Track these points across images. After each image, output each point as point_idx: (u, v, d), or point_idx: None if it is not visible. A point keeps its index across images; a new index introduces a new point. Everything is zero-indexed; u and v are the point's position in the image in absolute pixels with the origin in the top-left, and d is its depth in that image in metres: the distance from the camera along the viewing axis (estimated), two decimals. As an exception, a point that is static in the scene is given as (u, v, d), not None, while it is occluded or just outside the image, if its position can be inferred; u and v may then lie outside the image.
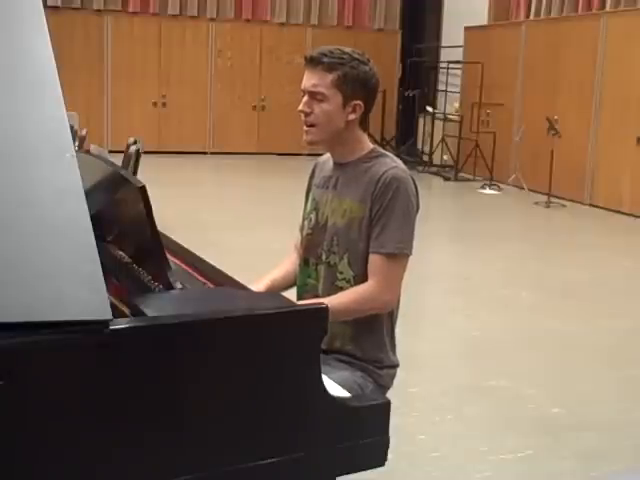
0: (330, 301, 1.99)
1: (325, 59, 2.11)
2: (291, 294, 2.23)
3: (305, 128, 2.17)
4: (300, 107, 2.16)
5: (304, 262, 2.30)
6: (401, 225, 2.10)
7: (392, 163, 2.17)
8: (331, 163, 2.29)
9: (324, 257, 2.23)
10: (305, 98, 2.15)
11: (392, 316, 2.24)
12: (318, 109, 2.13)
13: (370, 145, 2.24)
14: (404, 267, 2.15)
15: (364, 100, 2.15)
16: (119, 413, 1.47)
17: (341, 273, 2.19)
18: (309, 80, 2.14)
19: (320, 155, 2.41)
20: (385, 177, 2.11)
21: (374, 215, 2.12)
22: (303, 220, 2.34)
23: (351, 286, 2.16)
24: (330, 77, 2.10)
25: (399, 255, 2.11)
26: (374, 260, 2.11)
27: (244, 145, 13.31)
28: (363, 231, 2.14)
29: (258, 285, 2.28)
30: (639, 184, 8.96)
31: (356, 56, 2.14)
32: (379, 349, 2.21)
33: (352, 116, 2.14)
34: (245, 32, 13.32)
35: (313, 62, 2.13)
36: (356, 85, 2.12)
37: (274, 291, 2.28)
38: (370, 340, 2.20)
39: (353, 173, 2.19)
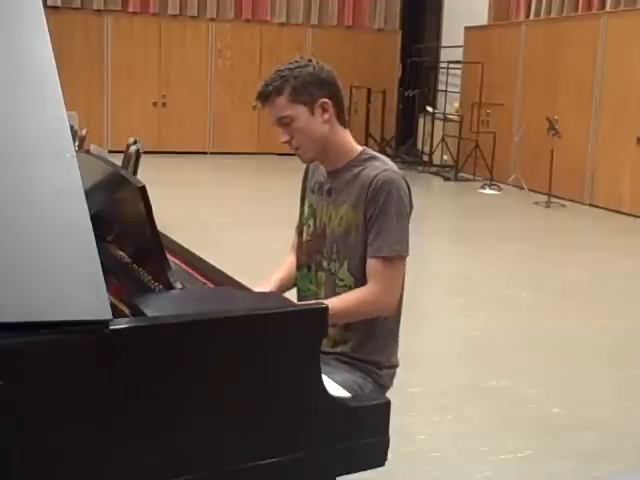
0: (331, 304, 1.99)
1: (269, 88, 2.09)
2: (292, 296, 2.24)
3: (295, 152, 2.17)
4: (280, 140, 2.15)
5: (307, 268, 2.30)
6: (396, 228, 2.10)
7: (383, 166, 2.15)
8: (324, 167, 2.28)
9: (324, 264, 2.23)
10: (279, 130, 2.14)
11: (396, 319, 2.24)
12: (294, 132, 2.12)
13: (358, 147, 2.23)
14: (402, 268, 2.15)
15: (327, 96, 2.13)
16: (119, 413, 1.47)
17: (341, 280, 2.19)
18: (270, 114, 2.13)
19: None
20: (376, 181, 2.10)
21: (368, 220, 2.11)
22: (301, 224, 2.34)
23: None
24: (283, 98, 2.09)
25: (396, 257, 2.11)
26: (372, 264, 2.11)
27: (244, 145, 13.31)
28: (360, 237, 2.14)
29: (266, 286, 2.29)
30: (639, 184, 8.97)
31: (294, 65, 2.12)
32: (380, 353, 2.21)
33: (326, 115, 2.13)
34: (245, 32, 13.32)
35: (262, 97, 2.12)
36: (309, 88, 2.10)
37: (282, 291, 2.29)
38: (372, 344, 2.20)
39: (345, 179, 2.18)
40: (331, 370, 2.06)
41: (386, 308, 2.15)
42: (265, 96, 2.11)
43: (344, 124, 2.20)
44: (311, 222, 2.28)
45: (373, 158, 2.19)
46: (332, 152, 2.19)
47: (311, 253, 2.27)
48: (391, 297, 2.13)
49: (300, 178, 2.43)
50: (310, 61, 2.15)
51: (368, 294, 2.11)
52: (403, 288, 2.22)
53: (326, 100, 2.12)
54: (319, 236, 2.24)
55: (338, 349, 2.20)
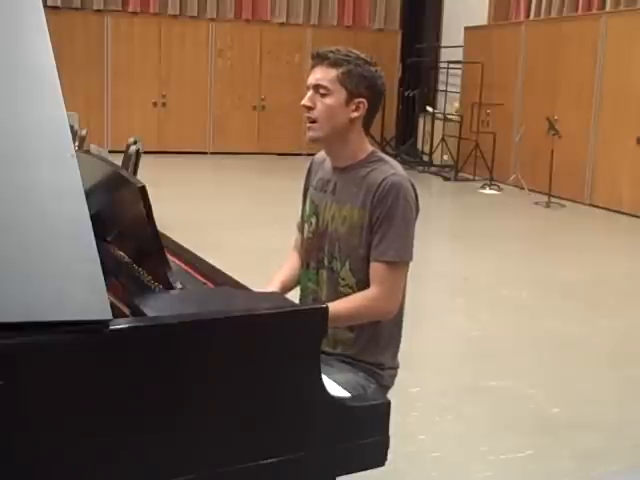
0: (332, 307, 1.99)
1: (331, 55, 2.12)
2: (294, 295, 2.24)
3: (308, 124, 2.15)
4: (303, 101, 2.14)
5: (306, 265, 2.29)
6: (401, 232, 2.09)
7: (391, 170, 2.14)
8: (329, 164, 2.27)
9: (326, 262, 2.22)
10: (309, 93, 2.14)
11: (398, 321, 2.24)
12: (321, 104, 2.12)
13: (370, 148, 2.22)
14: (405, 274, 2.15)
15: (368, 99, 2.13)
16: (119, 413, 1.47)
17: (343, 279, 2.18)
18: (314, 75, 2.14)
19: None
20: (384, 185, 2.10)
21: (374, 223, 2.11)
22: (303, 222, 2.34)
23: (354, 292, 2.15)
24: (335, 72, 2.10)
25: (400, 262, 2.11)
26: (375, 268, 2.11)
27: (244, 145, 13.31)
28: (363, 238, 2.13)
29: (269, 288, 2.28)
30: (639, 184, 8.97)
31: (363, 57, 2.15)
32: (382, 354, 2.22)
33: (355, 114, 2.13)
34: (245, 32, 13.31)
35: (319, 58, 2.13)
36: (361, 83, 2.11)
37: (284, 293, 2.28)
38: (374, 346, 2.20)
39: (352, 178, 2.18)
40: (333, 371, 2.07)
41: (387, 313, 2.15)
42: (322, 58, 2.13)
43: (367, 130, 2.20)
44: (313, 220, 2.27)
45: (381, 160, 2.18)
46: (342, 146, 2.18)
47: (312, 251, 2.27)
48: (393, 302, 2.13)
49: (300, 178, 2.43)
50: (376, 64, 2.17)
51: (370, 298, 2.10)
52: (405, 292, 2.22)
53: (364, 101, 2.13)
54: (321, 234, 2.24)
55: (339, 349, 2.20)
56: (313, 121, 2.14)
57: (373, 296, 2.10)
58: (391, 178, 2.11)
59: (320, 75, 2.12)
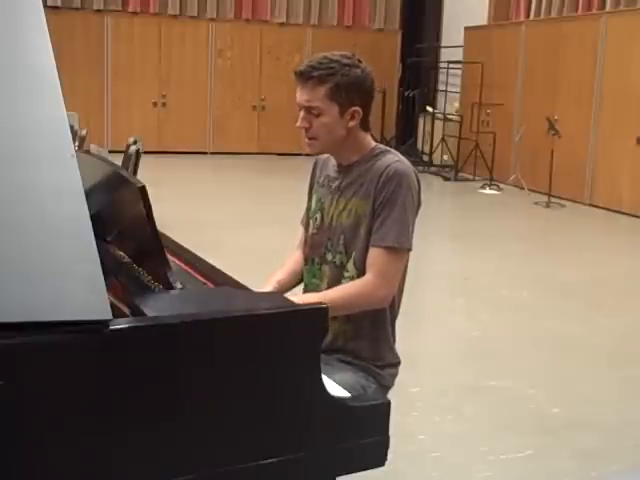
0: (326, 295, 1.99)
1: (315, 72, 2.08)
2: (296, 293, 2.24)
3: (307, 141, 2.16)
4: (298, 123, 2.14)
5: (310, 261, 2.30)
6: (402, 219, 2.09)
7: (395, 158, 2.16)
8: (334, 162, 2.28)
9: (329, 257, 2.22)
10: (302, 113, 2.14)
11: (393, 311, 2.24)
12: (317, 123, 2.11)
13: (372, 142, 2.23)
14: (404, 261, 2.15)
15: (361, 105, 2.13)
16: (119, 413, 1.47)
17: (347, 271, 2.18)
18: (302, 95, 2.11)
19: None
20: (388, 171, 2.11)
21: (377, 208, 2.11)
22: (308, 219, 2.34)
23: None
24: (323, 90, 2.08)
25: (399, 249, 2.10)
26: (373, 253, 2.10)
27: (244, 145, 13.31)
28: (368, 227, 2.14)
29: (265, 288, 2.28)
30: (639, 184, 8.97)
31: (346, 61, 2.10)
32: (381, 346, 2.21)
33: (352, 123, 2.13)
34: (245, 32, 13.32)
35: (303, 77, 2.10)
36: (351, 92, 2.10)
37: (281, 292, 2.28)
38: (372, 338, 2.20)
39: (357, 173, 2.19)
40: (333, 371, 2.06)
41: (382, 301, 2.13)
42: (306, 78, 2.09)
43: (366, 129, 2.21)
44: (318, 215, 2.28)
45: (385, 152, 2.20)
46: (345, 150, 2.19)
47: (316, 247, 2.27)
48: (389, 290, 2.12)
49: (300, 178, 2.43)
50: (360, 62, 2.14)
51: (365, 286, 2.09)
52: (404, 283, 2.21)
53: (358, 109, 2.13)
54: (325, 229, 2.24)
55: (339, 343, 2.19)
56: (313, 138, 2.14)
57: (367, 282, 2.09)
58: (395, 165, 2.12)
59: (308, 96, 2.09)
